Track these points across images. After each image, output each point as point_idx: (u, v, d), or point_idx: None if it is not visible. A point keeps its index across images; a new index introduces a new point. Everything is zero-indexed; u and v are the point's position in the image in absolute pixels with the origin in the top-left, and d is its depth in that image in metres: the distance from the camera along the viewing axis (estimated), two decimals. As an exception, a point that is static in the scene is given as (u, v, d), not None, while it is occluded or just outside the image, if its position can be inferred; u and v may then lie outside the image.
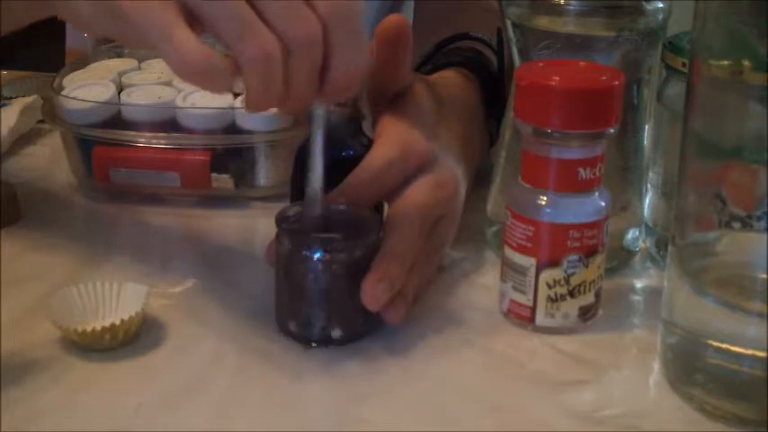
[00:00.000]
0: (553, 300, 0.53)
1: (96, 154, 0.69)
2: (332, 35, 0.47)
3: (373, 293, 0.51)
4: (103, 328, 0.50)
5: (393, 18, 0.57)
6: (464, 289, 0.59)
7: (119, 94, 0.71)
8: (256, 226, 0.67)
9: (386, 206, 0.57)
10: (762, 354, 0.45)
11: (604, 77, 0.52)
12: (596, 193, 0.53)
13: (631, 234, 0.62)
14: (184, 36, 0.46)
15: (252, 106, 0.49)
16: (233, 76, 0.47)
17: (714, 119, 0.46)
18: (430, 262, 0.56)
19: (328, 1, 0.47)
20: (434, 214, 0.55)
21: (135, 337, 0.52)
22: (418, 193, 0.55)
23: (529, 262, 0.53)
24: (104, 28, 0.50)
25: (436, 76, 0.66)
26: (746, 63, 0.44)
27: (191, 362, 0.51)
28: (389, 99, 0.58)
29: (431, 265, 0.57)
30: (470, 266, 0.62)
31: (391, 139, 0.56)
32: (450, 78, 0.67)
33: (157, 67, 0.75)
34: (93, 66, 0.76)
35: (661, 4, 0.57)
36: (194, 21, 0.47)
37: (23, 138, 0.79)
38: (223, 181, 0.69)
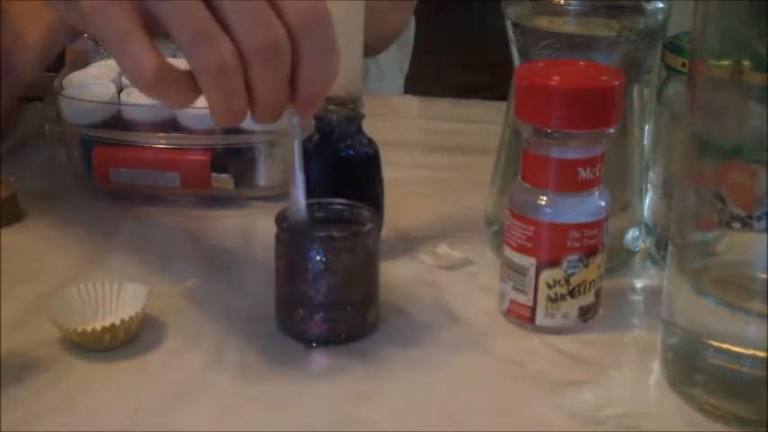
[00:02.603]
0: (553, 300, 0.53)
1: (96, 154, 0.68)
2: (300, 42, 0.46)
3: None
4: (103, 328, 0.50)
5: None
6: (464, 289, 0.59)
7: (119, 94, 0.71)
8: (256, 226, 0.67)
9: (386, 206, 0.57)
10: (762, 354, 0.45)
11: (604, 77, 0.52)
12: (596, 193, 0.53)
13: (631, 234, 0.62)
14: (139, 47, 0.44)
15: (217, 119, 0.47)
16: (193, 90, 0.45)
17: (714, 119, 0.46)
18: None
19: (298, 4, 0.45)
20: None
21: (135, 337, 0.52)
22: None
23: (529, 262, 0.53)
24: (76, 23, 0.49)
25: None
26: (746, 63, 0.43)
27: (191, 362, 0.51)
28: None
29: None
30: (470, 266, 0.62)
31: None
32: None
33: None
34: (93, 66, 0.76)
35: (661, 4, 0.57)
36: (153, 22, 0.45)
37: (23, 138, 0.79)
38: (223, 181, 0.68)
